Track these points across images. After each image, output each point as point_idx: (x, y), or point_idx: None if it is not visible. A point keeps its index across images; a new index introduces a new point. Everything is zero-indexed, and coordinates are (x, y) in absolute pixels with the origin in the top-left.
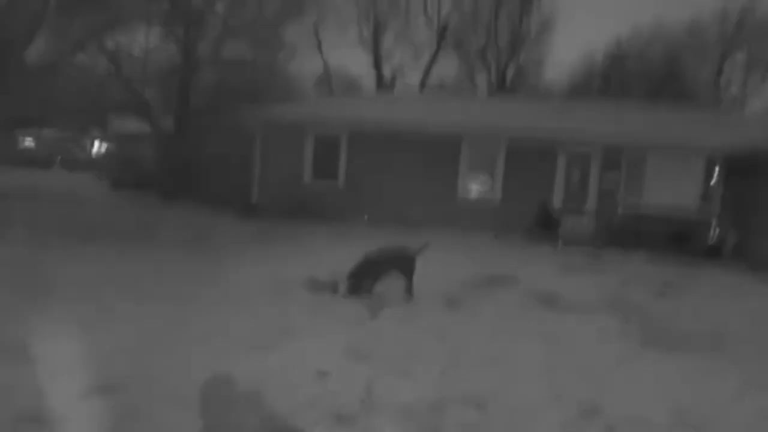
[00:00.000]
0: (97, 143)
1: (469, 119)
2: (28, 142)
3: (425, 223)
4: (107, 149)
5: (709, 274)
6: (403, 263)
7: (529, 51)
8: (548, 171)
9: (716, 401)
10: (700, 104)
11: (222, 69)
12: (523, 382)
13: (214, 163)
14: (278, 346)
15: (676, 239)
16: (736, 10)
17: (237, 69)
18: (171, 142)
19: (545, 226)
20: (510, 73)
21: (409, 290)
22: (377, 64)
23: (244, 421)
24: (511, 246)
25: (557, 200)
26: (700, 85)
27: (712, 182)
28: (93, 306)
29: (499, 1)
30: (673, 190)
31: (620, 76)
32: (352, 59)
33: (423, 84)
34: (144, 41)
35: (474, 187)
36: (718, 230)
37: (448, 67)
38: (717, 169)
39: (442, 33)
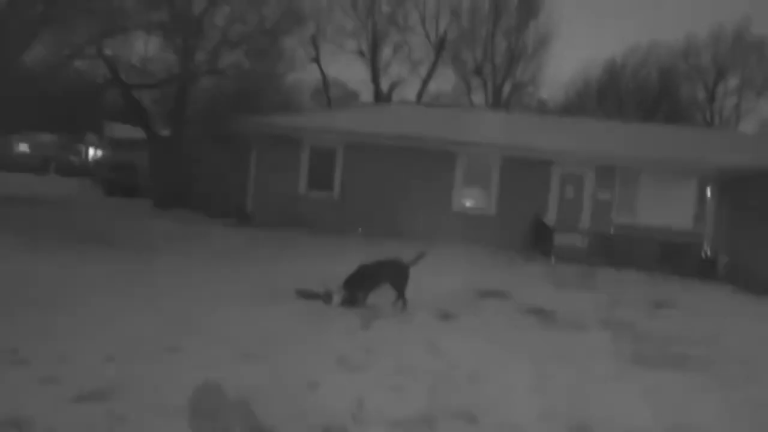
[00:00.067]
0: (92, 149)
1: (465, 134)
2: (23, 147)
3: (419, 235)
4: (102, 155)
5: (700, 293)
6: (396, 275)
7: (525, 68)
8: (543, 187)
9: (707, 420)
10: (694, 124)
11: (219, 78)
12: (515, 398)
13: (209, 171)
14: (269, 356)
15: (669, 258)
16: (729, 33)
17: (235, 79)
18: (167, 149)
19: (539, 242)
20: (506, 89)
21: (402, 302)
22: (375, 77)
23: (232, 430)
24: (504, 261)
25: (551, 216)
26: (693, 104)
27: (705, 202)
28: (80, 308)
29: (496, 17)
30: (666, 209)
31: (615, 95)
32: (350, 71)
33: (420, 97)
34: (143, 49)
35: (468, 201)
36: (710, 249)
37: (445, 82)
38: (710, 188)
39: (439, 47)
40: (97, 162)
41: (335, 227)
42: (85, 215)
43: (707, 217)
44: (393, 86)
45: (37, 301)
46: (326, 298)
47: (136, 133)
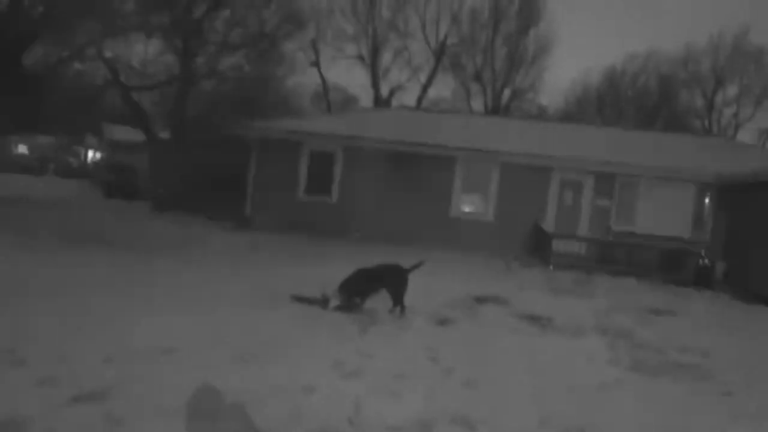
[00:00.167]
0: (91, 151)
1: (465, 140)
2: (22, 148)
3: (418, 241)
4: (102, 157)
5: (698, 302)
6: (395, 280)
7: (525, 74)
8: (541, 194)
9: (705, 429)
10: (693, 132)
11: (219, 81)
12: (512, 404)
13: (208, 174)
14: (265, 359)
15: (667, 265)
16: (728, 41)
17: (234, 82)
18: (166, 152)
19: (537, 248)
20: (506, 95)
21: (400, 308)
22: (375, 82)
23: None
24: (502, 267)
25: (550, 223)
26: (692, 112)
27: (703, 210)
28: (78, 309)
29: (496, 23)
30: (664, 217)
31: (614, 102)
32: (349, 76)
33: (420, 103)
34: (143, 51)
35: (467, 207)
36: (708, 257)
37: (444, 87)
38: (708, 196)
39: (439, 53)
40: (96, 164)
41: (333, 231)
42: (84, 217)
43: (705, 225)
44: (393, 91)
45: (35, 301)
46: (323, 302)
47: (136, 135)
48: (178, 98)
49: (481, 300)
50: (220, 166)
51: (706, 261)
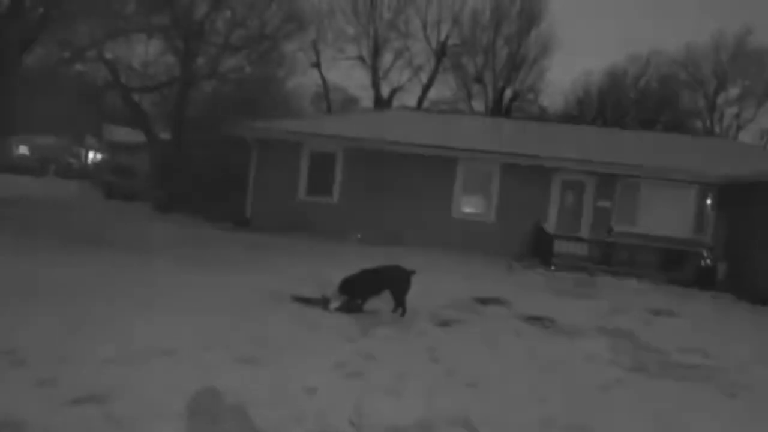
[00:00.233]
0: (91, 152)
1: (466, 141)
2: (23, 149)
3: (419, 242)
4: (102, 158)
5: (700, 302)
6: (398, 281)
7: (526, 75)
8: (543, 195)
9: (706, 430)
10: (694, 133)
11: (220, 82)
12: (513, 404)
13: (208, 175)
14: (266, 360)
15: (669, 266)
16: (730, 42)
17: (235, 83)
18: (166, 153)
19: (539, 249)
20: (507, 96)
21: (402, 309)
22: (375, 83)
23: None
24: (504, 268)
25: (551, 224)
26: (694, 113)
27: (705, 210)
28: (78, 310)
29: (497, 24)
30: (666, 218)
31: (616, 103)
32: (350, 77)
33: (420, 104)
34: (143, 52)
35: (468, 208)
36: (709, 258)
37: (445, 88)
38: (709, 197)
39: (440, 54)
40: (96, 165)
41: (334, 232)
42: (85, 218)
43: (707, 225)
44: (393, 92)
45: (35, 302)
46: (324, 303)
47: (136, 136)
48: (178, 99)
49: (482, 301)
50: (220, 167)
51: (708, 261)
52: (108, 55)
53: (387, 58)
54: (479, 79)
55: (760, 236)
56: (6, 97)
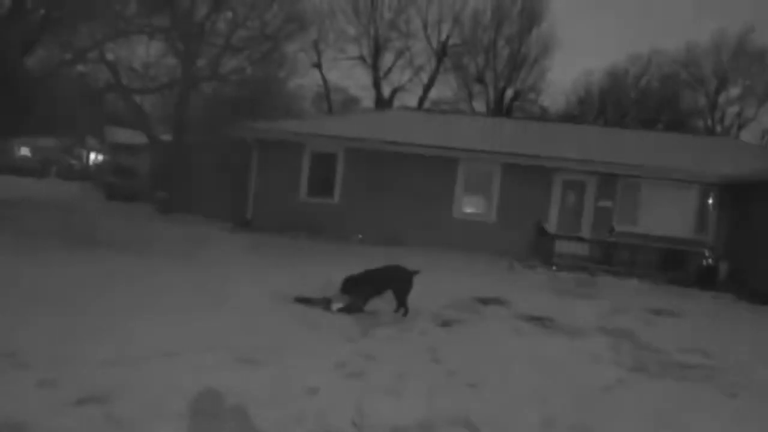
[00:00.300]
0: (93, 153)
1: (466, 141)
2: (25, 151)
3: (420, 242)
4: (103, 160)
5: (701, 302)
6: (399, 281)
7: (527, 75)
8: (544, 194)
9: (707, 430)
10: (695, 132)
11: (221, 83)
12: (515, 405)
13: (210, 176)
14: (267, 361)
15: (670, 266)
16: (731, 41)
17: (236, 84)
18: (168, 154)
19: (540, 249)
20: (508, 96)
21: (404, 310)
22: (376, 83)
23: None
24: (505, 268)
25: (552, 224)
26: (695, 113)
27: (706, 210)
28: (79, 311)
29: (498, 24)
30: (667, 217)
31: (617, 103)
32: (351, 77)
33: (421, 104)
34: (144, 54)
35: (469, 208)
36: (711, 258)
37: (446, 88)
38: (711, 196)
39: (441, 54)
40: (98, 166)
41: (335, 233)
42: (86, 219)
43: (708, 225)
44: (394, 92)
45: (36, 303)
46: (326, 303)
47: (137, 137)
48: (179, 100)
49: (483, 301)
50: (221, 168)
51: (709, 261)
52: (109, 57)
53: (388, 58)
54: (480, 79)
55: (761, 236)
56: (7, 99)
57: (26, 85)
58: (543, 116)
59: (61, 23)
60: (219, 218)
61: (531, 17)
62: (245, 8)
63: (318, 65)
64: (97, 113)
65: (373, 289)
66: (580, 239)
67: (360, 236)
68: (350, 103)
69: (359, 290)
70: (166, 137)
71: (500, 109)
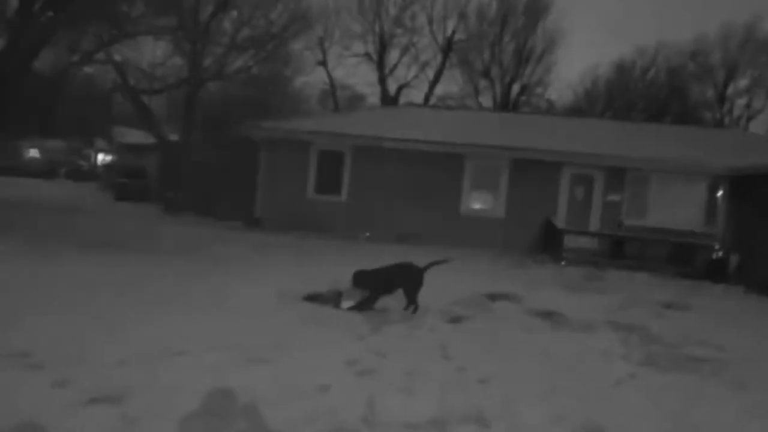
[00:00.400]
0: (101, 154)
1: (473, 137)
2: (33, 152)
3: (428, 239)
4: (112, 160)
5: (711, 295)
6: (411, 279)
7: (533, 69)
8: (552, 189)
9: (718, 424)
10: (704, 124)
11: (228, 83)
12: (526, 401)
13: (218, 175)
14: (278, 359)
15: (680, 259)
16: (739, 32)
17: (243, 83)
18: (175, 154)
19: (548, 244)
20: (514, 91)
21: (414, 307)
22: (382, 80)
23: None
24: (514, 263)
25: (561, 218)
26: (703, 105)
27: (716, 202)
28: (91, 311)
29: (504, 19)
30: (676, 210)
31: (624, 96)
32: (357, 74)
33: (427, 100)
34: (151, 54)
35: (477, 204)
36: (721, 250)
37: (452, 84)
38: (720, 189)
39: (447, 49)
40: (106, 167)
41: (343, 231)
42: (96, 219)
43: (718, 217)
44: (400, 89)
45: (48, 304)
46: (336, 300)
47: (145, 137)
48: (186, 100)
49: (493, 297)
50: (229, 167)
51: (719, 254)
52: (116, 58)
53: (393, 54)
54: (486, 74)
55: None
56: (16, 101)
57: (34, 86)
58: (550, 110)
59: (68, 25)
60: (228, 217)
61: (536, 11)
62: (250, 7)
63: (323, 63)
64: (104, 114)
65: (385, 286)
66: (589, 234)
67: (368, 234)
68: (356, 100)
69: (371, 283)
70: (174, 137)
71: (507, 104)
